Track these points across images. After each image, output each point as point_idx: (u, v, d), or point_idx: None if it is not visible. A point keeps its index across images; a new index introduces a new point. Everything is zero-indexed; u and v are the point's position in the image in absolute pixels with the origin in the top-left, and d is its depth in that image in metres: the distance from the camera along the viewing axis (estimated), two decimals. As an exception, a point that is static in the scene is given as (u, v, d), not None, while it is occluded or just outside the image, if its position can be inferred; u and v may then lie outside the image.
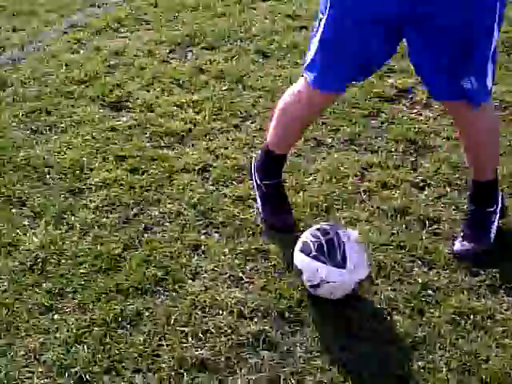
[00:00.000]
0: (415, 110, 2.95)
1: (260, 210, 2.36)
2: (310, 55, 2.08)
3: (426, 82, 2.09)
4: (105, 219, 2.36)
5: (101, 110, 2.94)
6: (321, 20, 2.01)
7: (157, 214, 2.39)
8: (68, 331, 1.92)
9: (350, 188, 2.49)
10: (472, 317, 1.96)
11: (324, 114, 2.90)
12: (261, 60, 3.31)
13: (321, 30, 2.01)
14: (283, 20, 3.67)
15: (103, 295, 2.06)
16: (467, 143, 2.20)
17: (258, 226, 2.32)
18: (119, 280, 2.11)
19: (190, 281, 2.11)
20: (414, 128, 2.81)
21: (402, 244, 2.24)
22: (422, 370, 1.81)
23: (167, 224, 2.34)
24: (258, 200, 2.38)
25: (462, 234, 2.22)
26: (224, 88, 3.09)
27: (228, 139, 2.77)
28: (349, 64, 2.03)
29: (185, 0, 3.87)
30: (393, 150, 2.69)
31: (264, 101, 3.00)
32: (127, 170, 2.58)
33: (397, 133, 2.78)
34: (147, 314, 2.00)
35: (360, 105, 2.96)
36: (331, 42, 2.00)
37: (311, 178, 2.54)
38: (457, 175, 2.54)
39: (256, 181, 2.40)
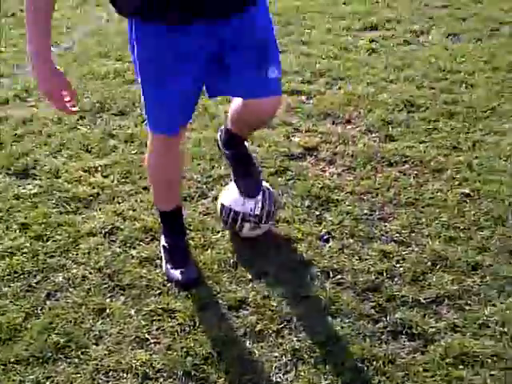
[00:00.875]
0: (320, 167, 3.06)
1: (163, 267, 2.37)
2: (144, 108, 2.16)
3: (233, 88, 2.11)
4: (6, 288, 2.30)
5: (6, 179, 2.90)
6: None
7: (61, 279, 2.35)
8: (-38, 407, 1.84)
9: (257, 243, 2.53)
10: (374, 363, 2.00)
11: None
12: (170, 124, 3.37)
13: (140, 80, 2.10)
14: (193, 85, 3.77)
15: (2, 367, 2.00)
16: (250, 125, 2.30)
17: (165, 285, 2.32)
18: (19, 350, 2.05)
19: (93, 346, 2.07)
20: (319, 184, 2.90)
21: (306, 296, 2.28)
22: (326, 419, 1.82)
23: (71, 289, 2.30)
24: (162, 257, 2.40)
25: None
26: (133, 151, 3.12)
27: (136, 201, 2.78)
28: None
29: (95, 68, 3.93)
30: (299, 205, 2.77)
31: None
32: (31, 237, 2.54)
33: (302, 189, 2.86)
34: (48, 383, 1.94)
35: (267, 163, 3.04)
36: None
37: (219, 235, 2.57)
38: (359, 227, 2.63)
39: (161, 238, 2.45)
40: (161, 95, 2.09)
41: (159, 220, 2.48)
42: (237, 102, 2.24)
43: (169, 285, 2.32)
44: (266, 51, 2.09)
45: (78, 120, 3.39)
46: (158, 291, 2.30)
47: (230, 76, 2.06)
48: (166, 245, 2.42)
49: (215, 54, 2.05)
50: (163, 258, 2.41)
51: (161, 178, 2.34)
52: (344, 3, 5.16)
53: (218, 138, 2.56)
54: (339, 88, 3.79)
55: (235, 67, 2.05)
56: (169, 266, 2.36)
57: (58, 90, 1.96)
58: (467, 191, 2.83)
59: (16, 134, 3.25)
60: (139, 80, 2.11)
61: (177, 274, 2.32)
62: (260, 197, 2.47)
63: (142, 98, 2.15)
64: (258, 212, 2.47)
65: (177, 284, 2.31)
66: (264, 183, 2.56)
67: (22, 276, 2.36)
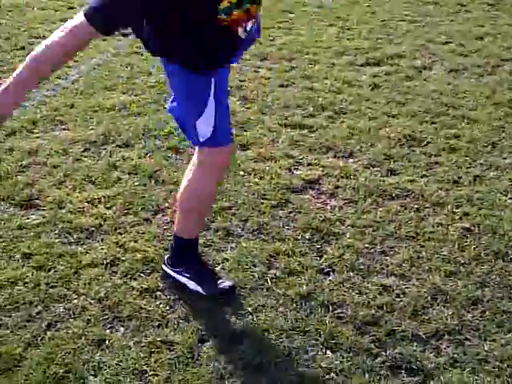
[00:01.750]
0: (321, 200, 3.08)
1: (197, 290, 2.43)
2: (207, 130, 2.28)
3: None
4: (7, 318, 2.31)
5: (10, 209, 2.93)
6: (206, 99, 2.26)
7: (61, 310, 2.35)
8: None
9: (256, 276, 2.54)
10: (373, 397, 2.00)
11: (234, 205, 3.01)
12: (173, 156, 3.41)
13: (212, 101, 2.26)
14: (197, 118, 3.82)
15: (0, 397, 2.00)
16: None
17: (164, 317, 2.32)
18: (19, 381, 2.05)
19: (91, 377, 2.07)
20: (320, 217, 2.92)
21: (306, 329, 2.28)
22: None
23: (71, 320, 2.31)
24: (191, 283, 2.44)
25: None
26: (136, 183, 3.15)
27: (138, 233, 2.79)
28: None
29: (101, 101, 3.98)
30: (299, 238, 2.78)
31: (176, 194, 3.06)
32: (33, 267, 2.55)
33: (303, 222, 2.88)
34: (45, 414, 1.94)
35: (268, 196, 3.07)
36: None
37: (219, 267, 2.58)
38: (360, 260, 2.64)
39: (181, 271, 2.48)
40: (224, 101, 2.34)
41: (164, 250, 2.50)
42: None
43: (168, 316, 2.33)
44: None
45: (82, 151, 3.43)
46: (158, 323, 2.31)
47: None
48: (192, 270, 2.46)
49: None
50: (192, 282, 2.44)
51: (209, 201, 2.52)
52: (348, 39, 5.24)
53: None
54: (342, 122, 3.83)
55: None
56: (206, 284, 2.42)
57: None
58: (468, 226, 2.84)
59: (21, 165, 3.28)
60: (209, 100, 2.24)
61: (225, 282, 2.43)
62: None
63: (212, 115, 2.26)
64: None
65: (224, 292, 2.40)
66: None
67: (23, 306, 2.37)
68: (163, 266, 2.54)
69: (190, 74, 2.22)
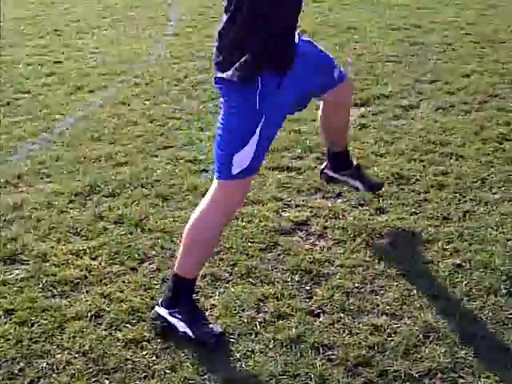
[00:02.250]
0: (310, 241, 3.04)
1: (190, 334, 2.39)
2: (244, 162, 2.32)
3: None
4: (-12, 376, 2.25)
5: (-7, 264, 2.89)
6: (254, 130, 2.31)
7: (45, 365, 2.29)
8: None
9: (245, 320, 2.48)
10: None
11: (222, 250, 2.96)
12: (160, 203, 3.39)
13: (256, 136, 2.31)
14: (184, 165, 3.81)
15: None
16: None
17: (150, 368, 2.25)
18: None
19: (73, 434, 2.00)
20: (309, 258, 2.88)
21: (296, 373, 2.21)
22: None
23: (55, 375, 2.24)
24: (186, 329, 2.41)
25: None
26: (122, 232, 3.11)
27: (124, 282, 2.74)
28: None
29: (87, 153, 3.97)
30: (288, 280, 2.73)
31: (163, 241, 3.03)
32: (16, 323, 2.49)
33: (292, 263, 2.83)
34: None
35: (257, 239, 3.03)
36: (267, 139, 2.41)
37: (207, 314, 2.52)
38: (350, 300, 2.58)
39: (173, 312, 2.44)
40: (274, 134, 2.44)
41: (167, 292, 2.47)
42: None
43: (154, 367, 2.26)
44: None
45: (68, 203, 3.40)
46: (144, 374, 2.24)
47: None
48: (184, 312, 2.42)
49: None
50: (182, 324, 2.41)
51: (213, 241, 2.51)
52: (334, 82, 5.27)
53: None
54: (329, 163, 3.81)
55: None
56: (195, 327, 2.39)
57: None
58: (458, 261, 2.80)
59: (5, 220, 3.24)
60: (258, 127, 2.29)
61: (215, 328, 2.40)
62: None
63: (254, 144, 2.31)
64: None
65: (213, 337, 2.36)
66: None
67: (4, 363, 2.30)
68: (156, 308, 2.49)
69: (245, 103, 2.28)
